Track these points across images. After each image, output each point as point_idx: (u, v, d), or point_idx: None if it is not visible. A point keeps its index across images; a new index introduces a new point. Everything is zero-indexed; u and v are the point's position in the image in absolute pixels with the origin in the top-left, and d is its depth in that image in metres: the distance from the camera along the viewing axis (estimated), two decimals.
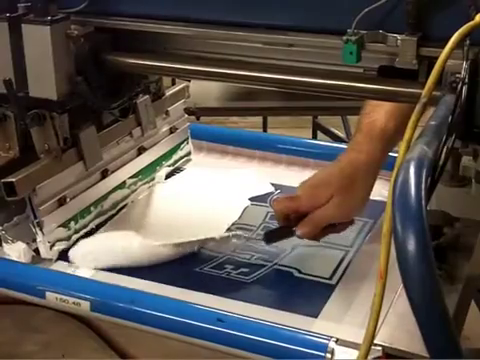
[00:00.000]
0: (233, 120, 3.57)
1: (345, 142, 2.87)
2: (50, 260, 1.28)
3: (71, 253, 1.29)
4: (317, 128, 3.10)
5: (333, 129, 3.10)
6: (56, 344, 2.64)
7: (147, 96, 1.48)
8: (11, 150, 1.27)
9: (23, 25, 1.20)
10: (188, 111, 1.68)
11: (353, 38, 1.07)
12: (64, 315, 2.62)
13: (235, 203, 1.47)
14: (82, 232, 1.34)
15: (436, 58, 0.93)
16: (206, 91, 2.62)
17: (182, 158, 1.63)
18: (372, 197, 1.46)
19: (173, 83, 1.68)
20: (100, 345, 2.61)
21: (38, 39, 1.20)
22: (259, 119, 3.05)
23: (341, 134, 3.11)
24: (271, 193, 1.51)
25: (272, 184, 1.54)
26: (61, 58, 1.22)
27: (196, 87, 1.78)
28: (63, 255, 1.29)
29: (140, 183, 1.49)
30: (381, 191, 1.44)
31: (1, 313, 2.66)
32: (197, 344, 1.07)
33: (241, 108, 2.71)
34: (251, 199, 1.48)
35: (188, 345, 2.38)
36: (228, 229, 1.37)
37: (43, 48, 1.20)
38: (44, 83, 1.22)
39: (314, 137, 3.09)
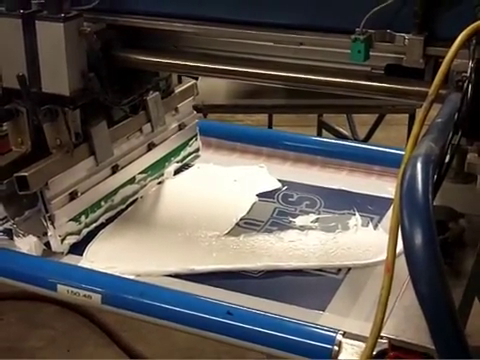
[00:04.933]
0: (239, 118, 3.59)
1: (350, 140, 2.89)
2: (61, 253, 1.29)
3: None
4: (322, 126, 3.11)
5: (338, 127, 3.11)
6: (61, 339, 2.66)
7: (157, 93, 1.50)
8: (23, 145, 1.29)
9: (37, 22, 1.22)
10: (195, 108, 1.70)
11: (361, 37, 1.09)
12: (68, 311, 2.64)
13: (243, 199, 1.48)
14: (92, 226, 1.36)
15: (443, 57, 0.95)
16: (213, 89, 2.64)
17: (191, 154, 1.64)
18: (378, 194, 1.48)
19: (179, 81, 1.69)
20: (104, 340, 2.63)
21: (51, 36, 1.22)
22: (265, 118, 3.06)
23: (346, 132, 3.12)
24: (278, 189, 1.53)
25: (279, 180, 1.56)
26: (74, 54, 1.24)
27: (203, 85, 1.79)
28: (73, 248, 1.31)
29: (149, 179, 1.51)
30: (387, 188, 1.46)
31: (7, 309, 2.67)
32: (206, 336, 1.08)
33: (247, 106, 2.73)
34: (259, 195, 1.50)
35: (192, 341, 2.40)
36: (236, 224, 1.39)
37: (56, 44, 1.22)
38: (57, 79, 1.24)
39: (319, 135, 3.10)
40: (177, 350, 2.50)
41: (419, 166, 0.81)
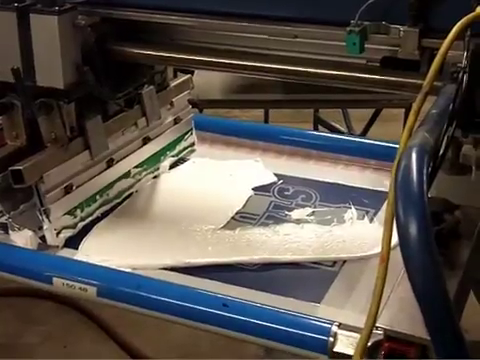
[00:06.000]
0: (235, 114, 3.59)
1: (346, 134, 2.90)
2: (56, 247, 1.29)
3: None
4: (318, 122, 3.12)
5: (334, 123, 3.11)
6: (57, 336, 2.65)
7: (152, 87, 1.49)
8: (18, 139, 1.28)
9: (31, 15, 1.22)
10: (191, 103, 1.70)
11: (356, 29, 1.09)
12: (64, 307, 2.64)
13: (239, 193, 1.49)
14: (88, 220, 1.36)
15: (438, 49, 0.95)
16: (209, 84, 2.64)
17: (186, 148, 1.64)
18: (374, 187, 1.49)
19: (175, 76, 1.69)
20: (101, 336, 2.63)
21: (46, 29, 1.22)
22: (260, 113, 3.06)
23: (342, 128, 3.13)
24: (274, 183, 1.53)
25: (275, 174, 1.56)
26: (68, 48, 1.24)
27: (199, 79, 1.79)
28: (69, 242, 1.31)
29: (145, 173, 1.51)
30: (383, 182, 1.46)
31: (2, 305, 2.67)
32: (202, 329, 1.09)
33: (243, 100, 2.73)
34: (254, 189, 1.50)
35: (189, 337, 2.40)
36: (232, 218, 1.39)
37: (51, 38, 1.22)
38: (51, 72, 1.24)
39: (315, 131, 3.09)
40: (173, 344, 2.50)
41: (414, 157, 0.81)
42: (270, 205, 1.45)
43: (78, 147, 1.34)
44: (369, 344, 0.92)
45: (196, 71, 1.80)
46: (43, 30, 1.22)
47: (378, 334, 0.95)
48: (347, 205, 1.43)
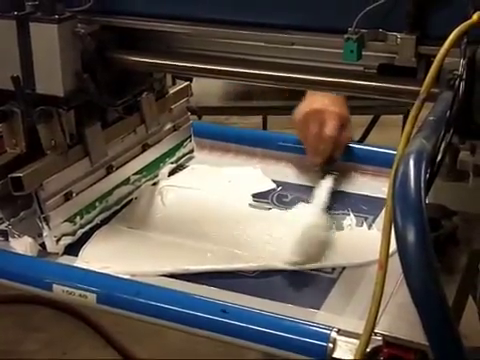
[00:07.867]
0: (233, 121, 3.60)
1: None
2: (56, 254, 1.30)
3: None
4: None
5: None
6: (57, 343, 2.66)
7: (151, 94, 1.50)
8: (18, 146, 1.29)
9: (31, 23, 1.22)
10: (190, 110, 1.70)
11: (354, 37, 1.10)
12: (64, 314, 2.65)
13: (238, 199, 1.49)
14: (87, 227, 1.36)
15: (434, 56, 0.96)
16: (207, 92, 2.65)
17: (185, 155, 1.65)
18: (372, 194, 1.49)
19: (173, 83, 1.70)
20: (100, 343, 2.63)
21: (46, 37, 1.22)
22: (259, 121, 3.07)
23: None
24: (273, 190, 1.53)
25: (274, 181, 1.56)
26: (68, 56, 1.25)
27: (197, 87, 1.80)
28: (69, 249, 1.31)
29: (144, 179, 1.51)
30: (381, 188, 1.46)
31: (2, 312, 2.68)
32: (201, 335, 1.09)
33: (242, 107, 2.74)
34: (253, 195, 1.51)
35: (187, 342, 2.40)
36: None
37: (50, 46, 1.23)
38: (51, 80, 1.25)
39: None
40: (172, 351, 2.51)
41: (411, 163, 0.81)
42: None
43: (78, 154, 1.35)
44: (368, 350, 0.92)
45: (195, 78, 1.80)
46: (43, 38, 1.23)
47: (377, 340, 0.96)
48: (346, 211, 1.44)
